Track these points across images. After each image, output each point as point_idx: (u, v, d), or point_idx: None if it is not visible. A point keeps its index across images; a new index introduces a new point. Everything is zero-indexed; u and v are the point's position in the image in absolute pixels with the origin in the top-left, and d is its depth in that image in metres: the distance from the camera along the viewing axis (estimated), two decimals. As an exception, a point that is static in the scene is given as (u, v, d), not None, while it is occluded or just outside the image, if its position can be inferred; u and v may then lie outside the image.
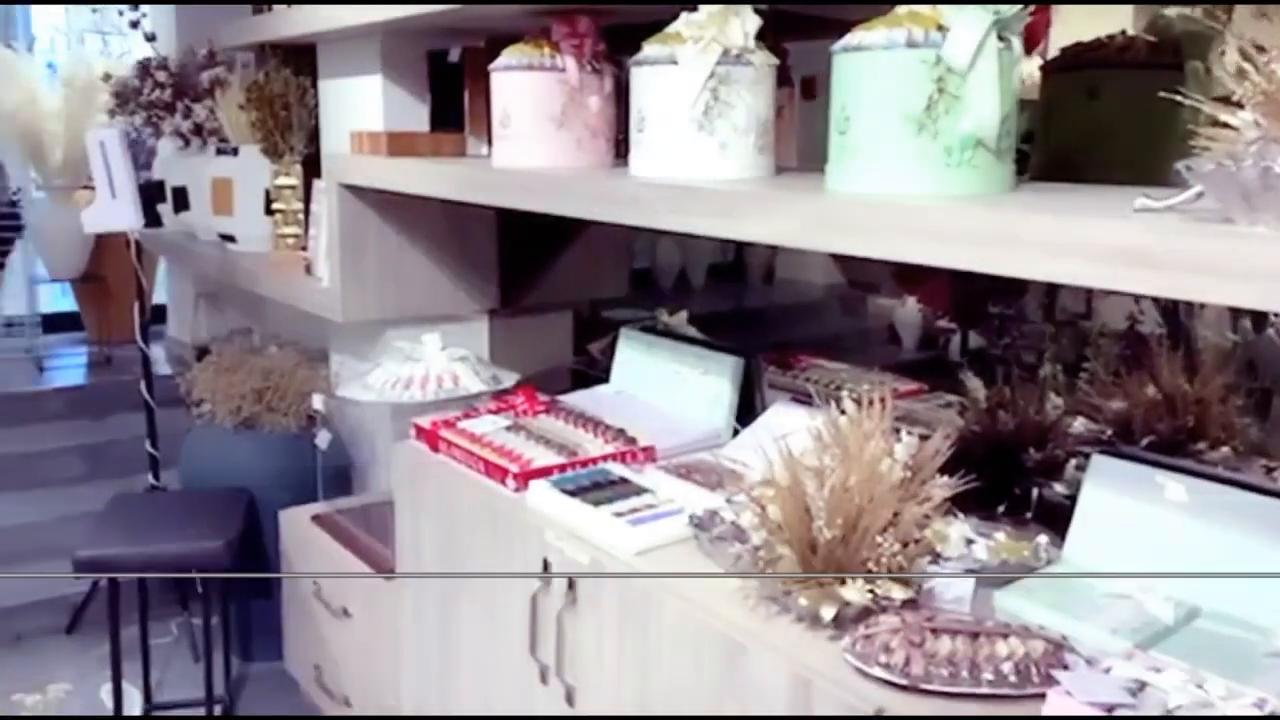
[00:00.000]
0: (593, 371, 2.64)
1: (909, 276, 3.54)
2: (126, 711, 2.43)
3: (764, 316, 4.64)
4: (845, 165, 1.18)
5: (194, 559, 2.46)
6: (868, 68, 1.14)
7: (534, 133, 1.75)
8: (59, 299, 4.76)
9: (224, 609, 2.65)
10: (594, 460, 1.68)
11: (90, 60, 4.51)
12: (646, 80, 1.47)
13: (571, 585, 1.44)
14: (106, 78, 3.71)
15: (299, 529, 2.59)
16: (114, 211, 3.01)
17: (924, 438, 1.26)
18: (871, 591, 1.11)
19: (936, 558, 1.22)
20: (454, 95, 2.48)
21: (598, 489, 1.55)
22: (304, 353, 2.99)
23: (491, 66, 1.81)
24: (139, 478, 3.25)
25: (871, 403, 1.25)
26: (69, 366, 4.31)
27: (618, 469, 1.64)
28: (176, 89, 3.47)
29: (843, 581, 1.12)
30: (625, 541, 1.40)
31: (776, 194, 1.26)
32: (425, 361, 2.16)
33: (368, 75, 2.53)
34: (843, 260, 4.69)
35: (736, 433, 1.79)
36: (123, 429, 3.63)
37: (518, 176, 1.73)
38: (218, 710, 2.52)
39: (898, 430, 1.25)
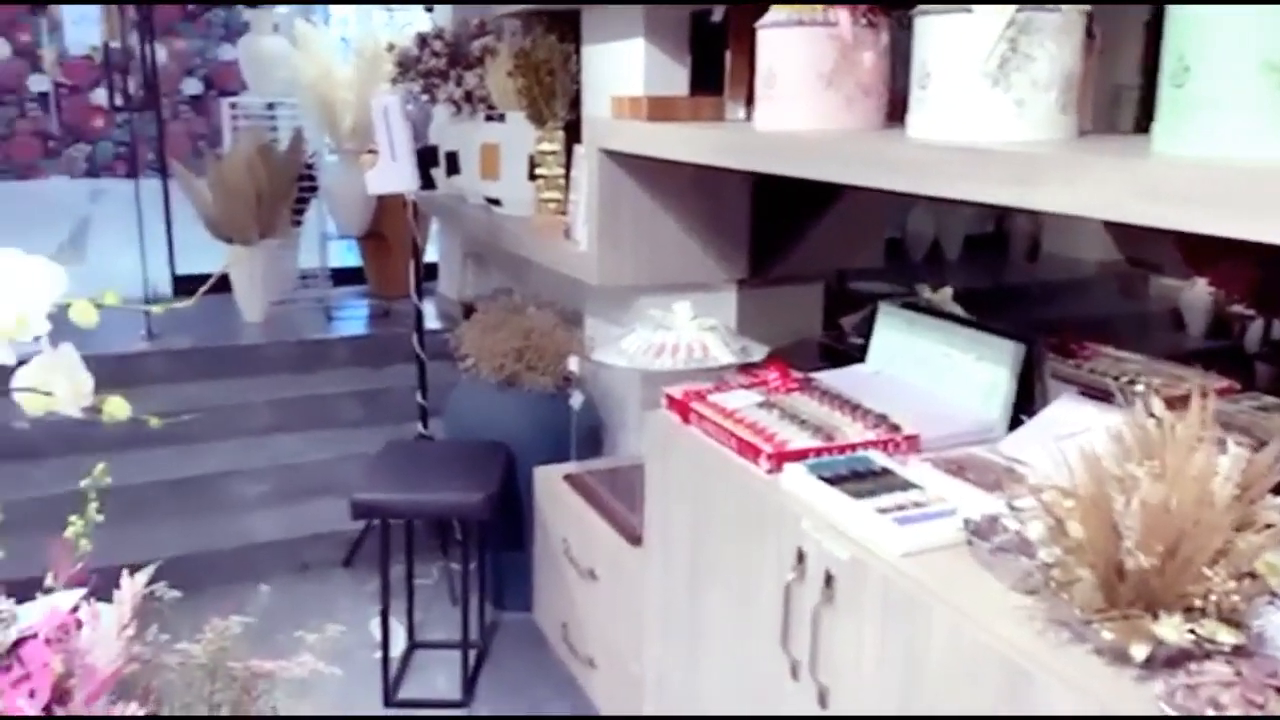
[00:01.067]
0: (841, 346, 2.52)
1: (1201, 255, 3.13)
2: (392, 646, 2.60)
3: (1027, 295, 4.28)
4: (1184, 123, 1.00)
5: (456, 508, 2.59)
6: (1217, 6, 0.95)
7: (801, 92, 1.65)
8: (347, 254, 5.17)
9: (481, 557, 2.78)
10: (852, 446, 1.57)
11: (377, 32, 4.83)
12: (933, 30, 1.33)
13: (830, 581, 1.36)
14: (390, 48, 3.94)
15: (552, 486, 2.66)
16: (393, 174, 3.19)
17: (1252, 449, 1.06)
18: (1193, 631, 0.95)
19: (1274, 597, 1.02)
20: (714, 57, 2.41)
21: (858, 479, 1.44)
22: (561, 314, 3.06)
23: (759, 23, 1.71)
24: (409, 425, 3.47)
25: (1186, 403, 1.07)
26: (353, 317, 4.68)
27: (879, 458, 1.52)
28: (450, 58, 3.63)
29: (1155, 616, 0.97)
30: (891, 541, 1.30)
31: (1087, 158, 1.10)
32: (676, 330, 2.12)
33: (630, 39, 2.51)
34: (1120, 235, 4.23)
35: (1013, 427, 1.62)
36: (397, 378, 3.89)
37: (782, 139, 1.64)
38: (472, 654, 2.65)
39: (1221, 440, 1.06)
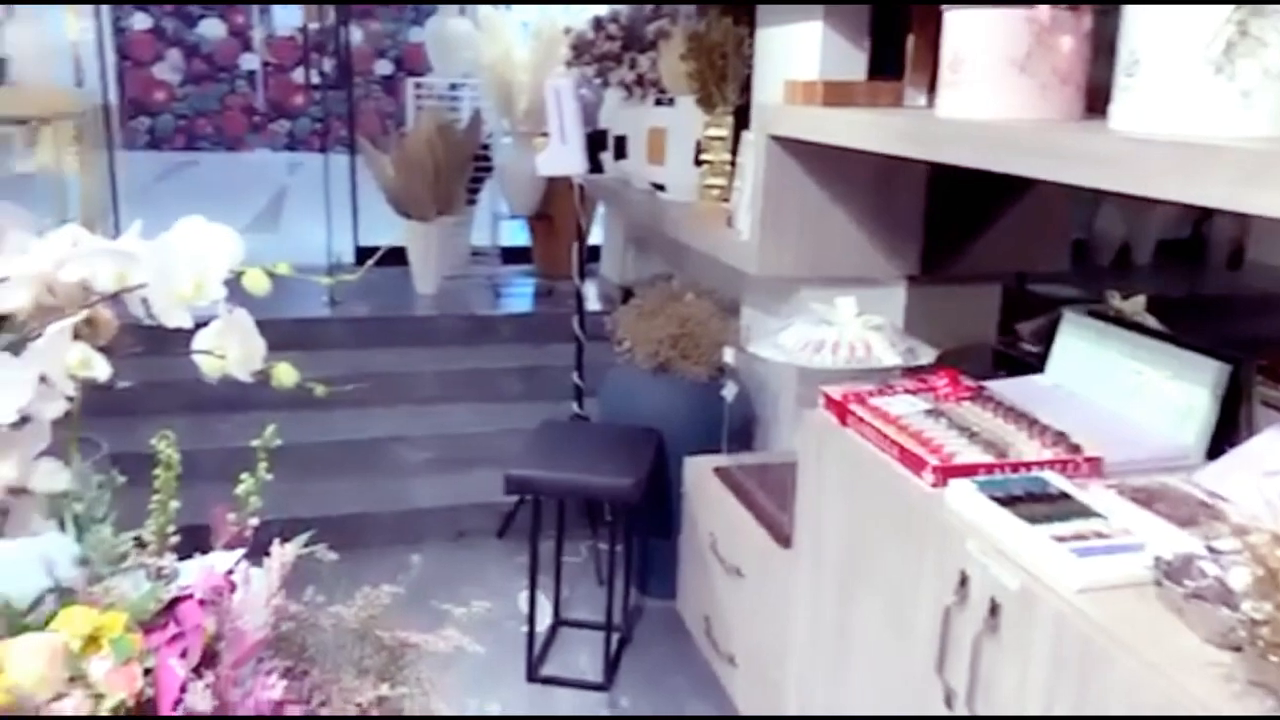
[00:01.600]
0: (1017, 355, 2.36)
1: None
2: (537, 621, 2.63)
3: (1230, 307, 3.89)
4: None
5: (607, 491, 2.59)
6: None
7: (990, 78, 1.53)
8: (517, 233, 5.30)
9: (628, 541, 2.78)
10: (1027, 465, 1.46)
11: (556, 16, 4.90)
12: (1145, 11, 1.20)
13: (995, 610, 1.26)
14: (567, 31, 3.98)
15: (701, 478, 2.62)
16: (563, 156, 3.22)
17: None
18: None
19: None
20: (895, 40, 2.30)
21: (1033, 501, 1.33)
22: (719, 303, 3.02)
23: (946, 5, 1.60)
24: (566, 404, 3.52)
25: None
26: (519, 295, 4.80)
27: (1057, 480, 1.40)
28: (625, 41, 3.63)
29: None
30: (1067, 573, 1.18)
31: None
32: (838, 326, 2.04)
33: (807, 21, 2.42)
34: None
35: (1212, 456, 1.46)
36: (556, 356, 3.95)
37: (969, 128, 1.53)
38: (615, 638, 2.66)
39: None
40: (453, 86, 5.12)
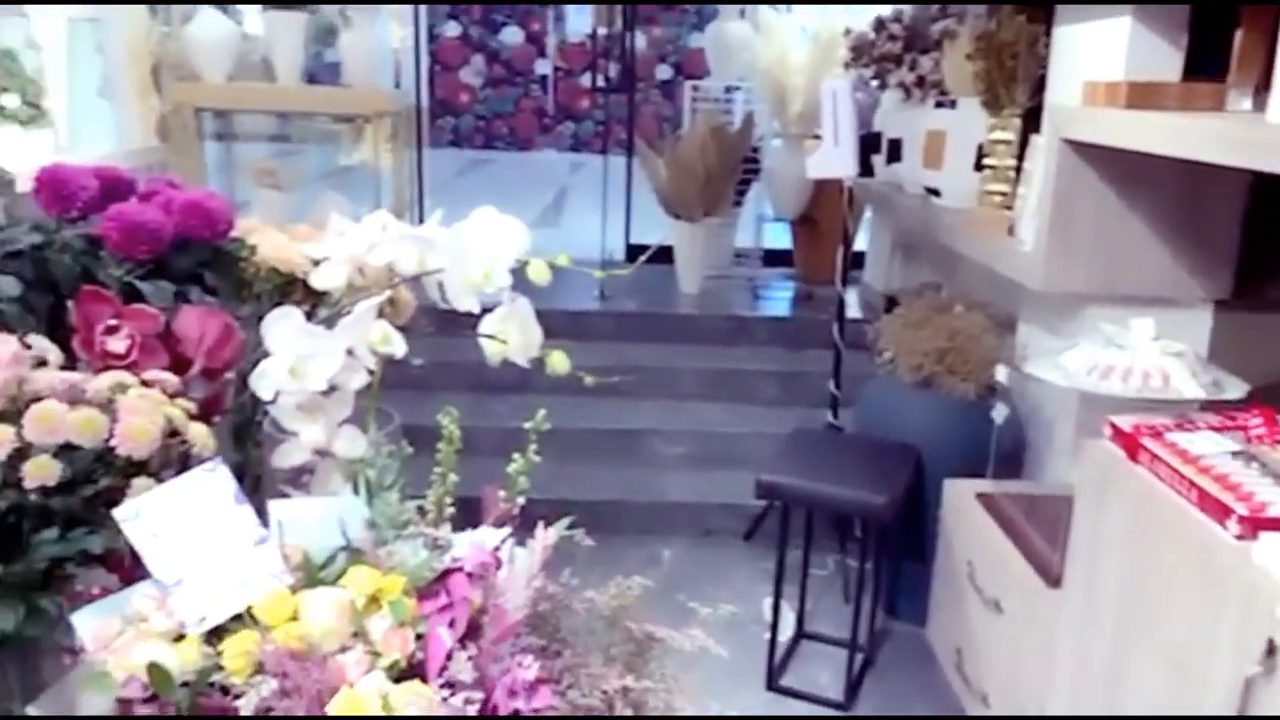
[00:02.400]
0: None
1: None
2: (780, 630, 2.60)
3: None
4: None
5: (859, 506, 2.51)
6: None
7: (1342, 80, 1.34)
8: (779, 236, 5.28)
9: (878, 560, 2.69)
10: (1361, 523, 1.26)
11: (835, 18, 4.83)
12: None
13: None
14: (846, 33, 3.90)
15: (962, 502, 2.48)
16: (835, 159, 3.17)
17: None
18: None
19: None
20: (1217, 38, 2.06)
21: (1365, 567, 1.15)
22: (992, 317, 2.84)
23: (1291, -5, 1.42)
24: (819, 412, 3.45)
25: None
26: (779, 298, 4.77)
27: (1400, 545, 1.20)
28: (907, 41, 3.51)
29: None
30: (1405, 657, 1.01)
31: None
32: (1131, 350, 1.86)
33: (1114, 17, 2.23)
34: None
35: None
36: (813, 363, 3.89)
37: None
38: (858, 658, 2.58)
39: None
40: (727, 90, 5.17)
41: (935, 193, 3.18)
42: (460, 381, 3.41)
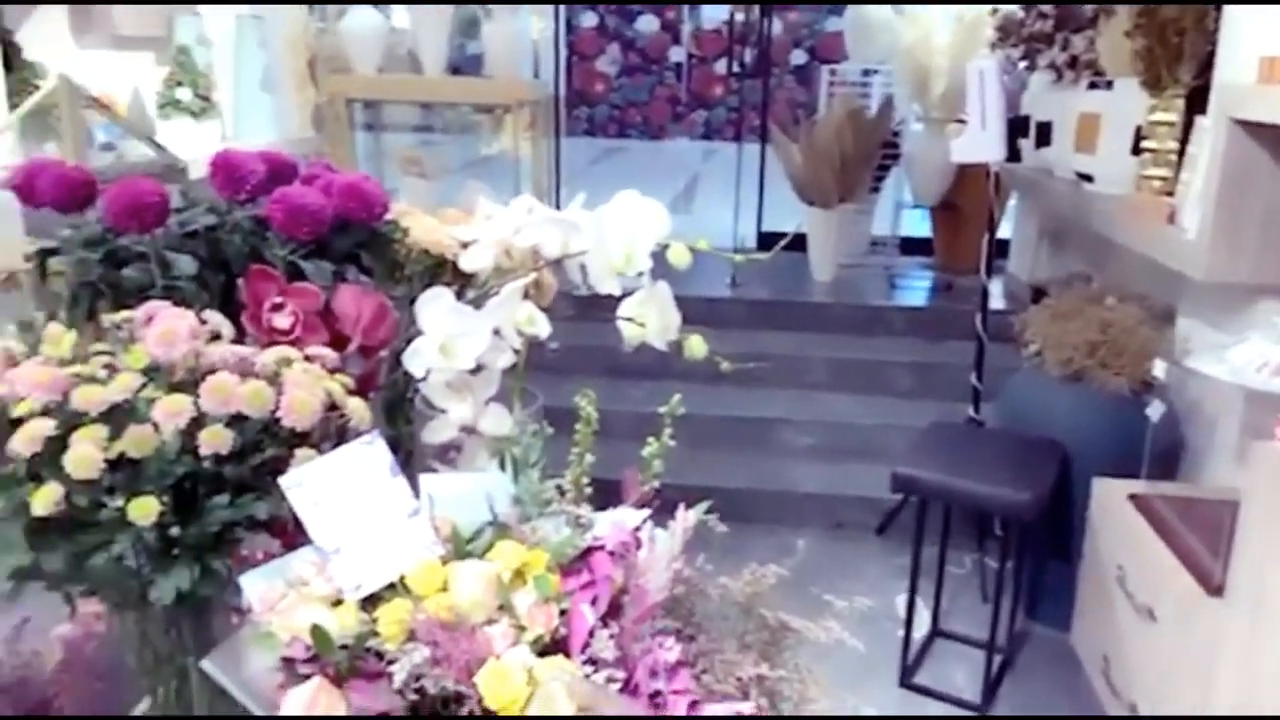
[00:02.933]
0: None
1: None
2: (914, 628, 2.54)
3: None
4: None
5: (1001, 503, 2.42)
6: None
7: None
8: (917, 224, 5.13)
9: (1019, 560, 2.59)
10: None
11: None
12: None
13: None
14: (994, 12, 3.76)
15: (1112, 502, 2.36)
16: (980, 143, 3.06)
17: None
18: None
19: None
20: None
21: None
22: (1148, 310, 2.69)
23: None
24: (959, 405, 3.35)
25: None
26: (916, 288, 4.65)
27: None
28: (1058, 20, 3.35)
29: None
30: None
31: None
32: (1310, 346, 1.73)
33: (1298, -15, 2.07)
34: None
35: None
36: (952, 354, 3.78)
37: None
38: (996, 659, 2.49)
39: None
40: (865, 73, 5.05)
41: (1088, 178, 3.03)
42: (595, 366, 3.45)
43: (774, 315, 4.21)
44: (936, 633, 2.71)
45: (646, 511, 1.06)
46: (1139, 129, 2.73)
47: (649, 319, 1.21)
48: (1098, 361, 2.62)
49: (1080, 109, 3.05)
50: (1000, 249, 4.27)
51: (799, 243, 4.59)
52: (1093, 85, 3.06)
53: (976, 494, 2.41)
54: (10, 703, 1.07)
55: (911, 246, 5.03)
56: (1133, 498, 2.29)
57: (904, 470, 2.48)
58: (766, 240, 5.00)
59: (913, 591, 2.53)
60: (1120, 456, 2.48)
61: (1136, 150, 2.74)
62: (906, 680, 2.51)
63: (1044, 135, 3.40)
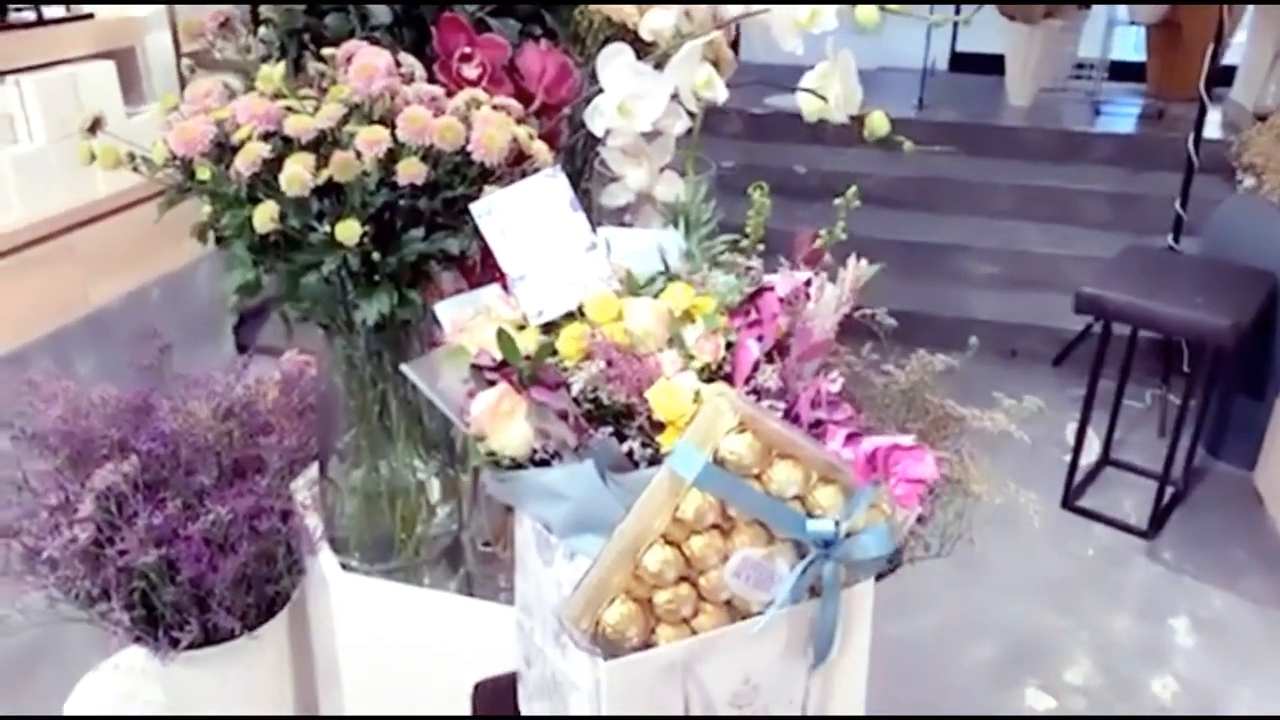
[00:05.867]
0: None
1: None
2: (1083, 455, 2.47)
3: None
4: None
5: (1196, 329, 2.28)
6: None
7: None
8: (1130, 48, 4.67)
9: (1206, 392, 2.45)
10: None
11: None
12: None
13: None
14: None
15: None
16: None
17: None
18: None
19: None
20: None
21: None
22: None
23: None
24: (1155, 239, 3.13)
25: None
26: (1122, 114, 4.29)
27: None
28: None
29: None
30: None
31: None
32: None
33: None
34: None
35: None
36: (1155, 185, 3.51)
37: None
38: (1169, 491, 2.41)
39: None
40: None
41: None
42: (767, 186, 3.42)
43: (960, 138, 3.99)
44: (1107, 461, 2.64)
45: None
46: None
47: (831, 90, 1.18)
48: (1327, 185, 2.38)
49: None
50: (1224, 76, 3.84)
51: (997, 65, 4.28)
52: None
53: (1169, 318, 2.27)
54: (238, 424, 1.21)
55: (1122, 71, 4.59)
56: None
57: (1090, 290, 2.36)
58: (961, 61, 4.69)
59: (1084, 418, 2.45)
60: (1339, 290, 2.28)
61: None
62: (1069, 502, 2.47)
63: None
